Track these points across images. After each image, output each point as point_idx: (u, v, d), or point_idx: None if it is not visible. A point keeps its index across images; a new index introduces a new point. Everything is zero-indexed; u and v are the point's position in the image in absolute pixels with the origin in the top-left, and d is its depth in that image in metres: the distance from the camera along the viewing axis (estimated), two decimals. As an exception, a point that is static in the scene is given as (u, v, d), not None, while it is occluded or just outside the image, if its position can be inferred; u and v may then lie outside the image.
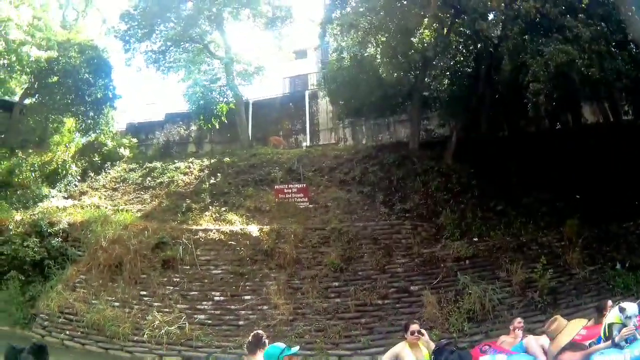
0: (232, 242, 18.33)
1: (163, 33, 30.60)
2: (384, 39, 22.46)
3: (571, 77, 17.20)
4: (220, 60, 28.66)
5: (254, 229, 18.75)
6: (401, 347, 8.79)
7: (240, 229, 18.87)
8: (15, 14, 23.98)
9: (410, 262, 17.15)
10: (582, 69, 16.70)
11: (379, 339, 14.84)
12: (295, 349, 7.23)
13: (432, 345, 9.16)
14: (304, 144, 29.27)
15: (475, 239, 17.85)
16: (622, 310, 7.53)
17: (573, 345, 7.35)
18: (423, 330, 8.72)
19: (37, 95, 30.02)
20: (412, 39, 21.94)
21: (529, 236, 17.96)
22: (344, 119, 26.42)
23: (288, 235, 18.20)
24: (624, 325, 7.30)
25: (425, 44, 22.33)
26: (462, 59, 21.70)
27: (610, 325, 7.53)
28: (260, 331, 8.26)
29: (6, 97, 31.69)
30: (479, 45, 21.73)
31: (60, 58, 27.39)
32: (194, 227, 19.51)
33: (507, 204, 19.30)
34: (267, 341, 7.72)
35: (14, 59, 25.04)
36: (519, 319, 11.32)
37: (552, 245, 17.68)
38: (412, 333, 8.76)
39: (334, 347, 14.85)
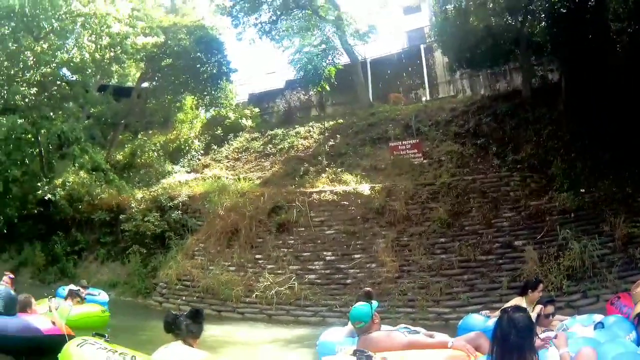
0: (345, 202, 18.65)
1: (271, 4, 30.99)
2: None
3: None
4: (332, 23, 28.63)
5: (365, 188, 18.96)
6: (519, 301, 8.89)
7: (353, 189, 19.12)
8: (113, 9, 24.86)
9: (517, 215, 16.70)
10: None
11: (479, 296, 14.78)
12: (376, 303, 7.19)
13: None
14: (423, 98, 28.90)
15: (583, 190, 17.00)
16: None
17: None
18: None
19: (153, 79, 31.46)
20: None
21: (636, 187, 16.84)
22: (455, 70, 25.83)
23: (398, 193, 18.26)
24: None
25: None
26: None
27: None
28: (369, 289, 8.55)
29: (122, 84, 32.93)
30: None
31: (169, 42, 28.47)
32: (309, 189, 19.92)
33: (617, 152, 18.02)
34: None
35: (119, 50, 25.88)
36: None
37: None
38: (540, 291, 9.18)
39: (434, 305, 14.87)
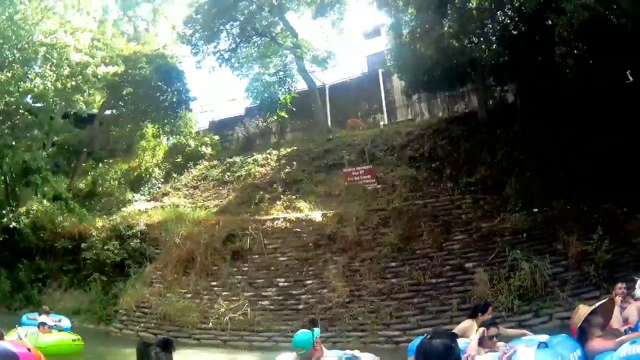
0: (298, 229, 18.69)
1: (230, 32, 31.16)
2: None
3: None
4: (290, 50, 28.78)
5: (317, 215, 19.06)
6: (469, 324, 9.18)
7: (305, 216, 19.22)
8: (72, 40, 25.09)
9: (468, 238, 16.75)
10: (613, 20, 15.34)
11: (429, 319, 14.79)
12: (318, 329, 7.34)
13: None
14: (381, 123, 29.04)
15: (536, 210, 17.07)
16: None
17: (607, 332, 7.19)
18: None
19: (115, 107, 31.65)
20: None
21: (590, 204, 16.92)
22: (411, 95, 25.98)
23: (350, 219, 18.29)
24: None
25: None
26: (508, 21, 20.77)
27: None
28: (313, 316, 8.67)
29: (87, 112, 33.12)
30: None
31: (130, 70, 28.57)
32: (263, 217, 19.99)
33: (572, 170, 18.10)
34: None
35: (80, 79, 26.07)
36: (619, 284, 10.69)
37: (613, 213, 16.42)
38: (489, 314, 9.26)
39: (385, 328, 14.89)
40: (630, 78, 21.59)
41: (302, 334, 7.04)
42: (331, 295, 16.18)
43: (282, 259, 18.11)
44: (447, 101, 27.96)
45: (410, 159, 21.97)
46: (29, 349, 10.35)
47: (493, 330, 8.13)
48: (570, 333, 8.05)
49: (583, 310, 7.42)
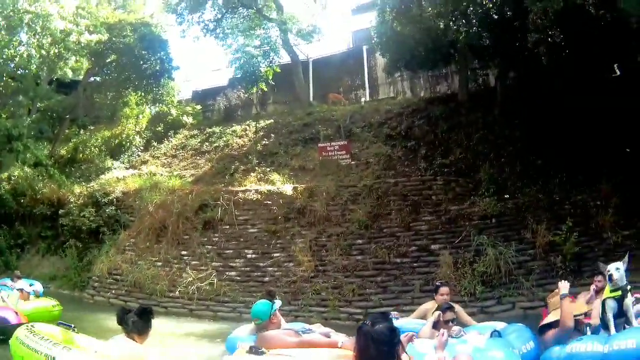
0: (268, 202, 18.70)
1: (215, 2, 31.11)
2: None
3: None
4: (275, 22, 28.69)
5: (288, 188, 19.01)
6: (431, 306, 9.03)
7: (277, 189, 19.18)
8: (56, 9, 25.24)
9: (436, 219, 16.72)
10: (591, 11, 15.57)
11: (391, 298, 14.89)
12: (279, 301, 7.55)
13: (458, 306, 9.29)
14: (363, 99, 28.96)
15: (507, 196, 17.08)
16: (609, 277, 7.29)
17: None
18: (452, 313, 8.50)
19: (99, 74, 31.93)
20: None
21: (564, 194, 16.94)
22: (393, 73, 25.85)
23: (320, 193, 18.30)
24: (620, 300, 7.18)
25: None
26: (490, 5, 20.56)
27: (603, 302, 7.29)
28: (272, 289, 8.79)
29: (68, 78, 33.06)
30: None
31: (114, 38, 28.65)
32: (235, 188, 19.99)
33: (549, 159, 18.18)
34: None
35: (62, 47, 26.37)
36: (599, 277, 10.17)
37: (586, 205, 16.50)
38: (442, 294, 9.08)
39: (346, 305, 15.01)
40: (618, 72, 21.59)
41: (262, 304, 7.18)
42: (297, 269, 16.29)
43: (251, 230, 18.15)
44: (430, 81, 27.81)
45: (387, 137, 21.89)
46: (16, 312, 10.51)
47: (449, 315, 8.11)
48: (528, 321, 8.20)
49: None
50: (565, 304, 7.34)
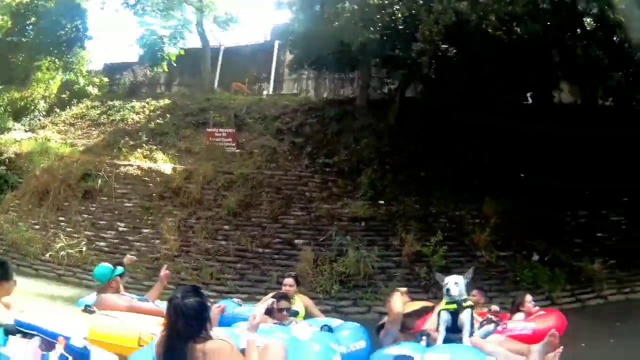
0: (147, 179, 18.96)
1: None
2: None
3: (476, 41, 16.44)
4: (193, 6, 28.82)
5: (168, 168, 19.28)
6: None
7: (157, 167, 19.45)
8: None
9: (306, 215, 17.12)
10: (489, 31, 15.85)
11: (248, 286, 15.16)
12: (121, 269, 8.03)
13: (309, 300, 9.67)
14: (265, 92, 29.25)
15: (382, 202, 17.45)
16: (446, 290, 7.29)
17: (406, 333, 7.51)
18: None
19: (16, 35, 30.94)
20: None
21: (442, 208, 17.37)
22: (296, 69, 26.09)
23: (197, 176, 18.62)
24: (455, 314, 7.20)
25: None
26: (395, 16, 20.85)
27: (439, 314, 7.32)
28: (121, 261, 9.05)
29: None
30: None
31: (35, 1, 28.57)
32: (118, 162, 20.18)
33: (434, 172, 18.64)
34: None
35: None
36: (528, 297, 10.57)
37: (463, 221, 16.85)
38: (285, 285, 9.62)
39: (203, 287, 14.72)
40: (530, 100, 22.37)
41: (103, 267, 7.80)
42: (162, 247, 16.56)
43: (127, 204, 18.37)
44: (335, 83, 28.12)
45: (278, 130, 22.16)
46: None
47: (283, 304, 8.46)
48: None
49: (412, 305, 7.87)
50: (394, 297, 7.53)
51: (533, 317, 9.92)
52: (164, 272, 9.26)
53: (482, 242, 15.93)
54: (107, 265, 7.92)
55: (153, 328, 6.47)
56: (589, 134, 18.93)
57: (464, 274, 7.63)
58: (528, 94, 22.38)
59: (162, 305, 7.32)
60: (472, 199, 17.45)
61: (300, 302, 9.76)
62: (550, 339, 6.61)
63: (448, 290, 7.27)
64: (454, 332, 7.18)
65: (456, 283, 7.35)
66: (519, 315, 9.97)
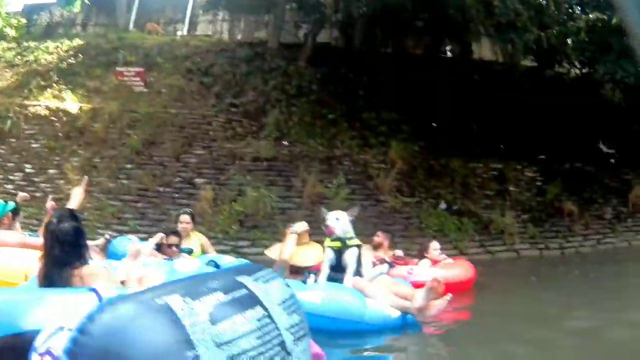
0: (54, 118, 18.99)
1: None
2: None
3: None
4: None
5: (75, 107, 19.34)
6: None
7: (64, 107, 19.43)
8: None
9: (208, 154, 17.44)
10: None
11: (147, 225, 15.37)
12: (12, 205, 8.52)
13: (205, 239, 10.26)
14: (179, 32, 29.24)
15: (286, 143, 17.79)
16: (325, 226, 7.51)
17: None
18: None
19: None
20: None
21: (346, 151, 17.69)
22: (211, 10, 26.12)
23: (103, 115, 18.77)
24: (339, 253, 7.46)
25: None
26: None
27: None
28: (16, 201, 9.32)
29: None
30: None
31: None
32: (28, 102, 20.08)
33: (343, 115, 19.07)
34: None
35: None
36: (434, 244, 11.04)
37: (368, 165, 17.20)
38: (180, 222, 10.05)
39: (104, 227, 15.18)
40: (449, 54, 22.91)
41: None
42: (66, 187, 16.37)
43: (34, 145, 18.41)
44: (250, 26, 28.24)
45: (187, 70, 22.26)
46: None
47: (172, 239, 8.90)
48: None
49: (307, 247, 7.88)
50: (287, 237, 7.65)
51: (441, 265, 10.53)
52: (49, 204, 9.44)
53: (386, 186, 16.37)
54: (1, 201, 8.24)
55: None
56: (509, 92, 19.85)
57: (348, 211, 7.72)
58: (447, 47, 22.95)
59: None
60: (379, 143, 17.98)
61: (197, 240, 10.27)
62: (433, 284, 6.74)
63: (327, 225, 7.45)
64: (338, 271, 7.37)
65: (337, 219, 7.44)
66: (425, 262, 10.49)
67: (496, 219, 16.27)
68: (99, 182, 16.74)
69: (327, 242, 7.56)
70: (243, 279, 2.32)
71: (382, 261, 9.11)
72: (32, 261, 6.65)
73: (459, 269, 10.54)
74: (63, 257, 4.48)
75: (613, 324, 7.74)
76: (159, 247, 8.53)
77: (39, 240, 8.02)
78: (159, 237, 8.56)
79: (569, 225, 17.21)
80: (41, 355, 2.64)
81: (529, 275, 13.59)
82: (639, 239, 17.62)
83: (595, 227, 17.57)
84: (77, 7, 24.13)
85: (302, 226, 7.90)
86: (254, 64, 22.29)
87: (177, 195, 16.42)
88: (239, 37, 27.78)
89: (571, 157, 19.10)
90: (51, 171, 17.48)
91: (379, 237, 10.99)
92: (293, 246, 7.53)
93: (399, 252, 10.96)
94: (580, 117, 19.48)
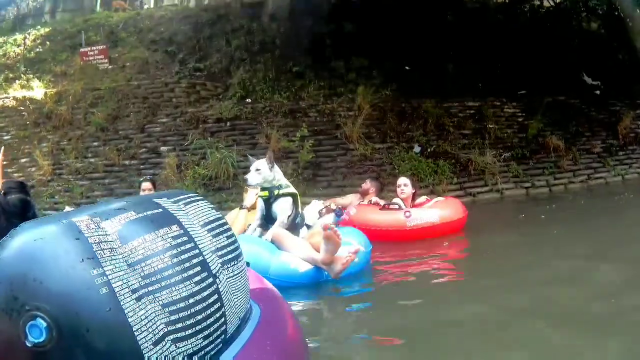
0: (22, 108, 19.10)
1: None
2: None
3: None
4: None
5: (40, 93, 19.41)
6: None
7: (30, 95, 19.52)
8: None
9: (172, 122, 17.35)
10: None
11: (116, 200, 15.39)
12: None
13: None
14: (146, 6, 29.22)
15: (249, 100, 17.62)
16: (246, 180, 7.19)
17: None
18: None
19: None
20: None
21: (313, 101, 17.38)
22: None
23: (67, 97, 18.82)
24: (267, 202, 7.26)
25: None
26: None
27: None
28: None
29: None
30: None
31: None
32: (-4, 96, 20.07)
33: (309, 66, 18.85)
34: None
35: None
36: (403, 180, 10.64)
37: (335, 113, 16.92)
38: (142, 190, 10.21)
39: (75, 207, 15.42)
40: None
41: None
42: (37, 173, 16.88)
43: (5, 137, 18.48)
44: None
45: (151, 42, 22.27)
46: None
47: None
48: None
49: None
50: (237, 213, 8.11)
51: (432, 204, 10.25)
52: None
53: (355, 134, 16.12)
54: None
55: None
56: (484, 29, 19.87)
57: (266, 158, 7.23)
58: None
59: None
60: (348, 91, 17.76)
61: None
62: (327, 234, 6.23)
63: (246, 179, 7.15)
64: (269, 222, 7.20)
65: (257, 169, 7.06)
66: (397, 201, 10.20)
67: (475, 158, 16.04)
68: (67, 164, 16.91)
69: (259, 192, 7.39)
70: (161, 200, 2.55)
71: (330, 211, 8.81)
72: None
73: (451, 208, 10.20)
74: (9, 228, 4.39)
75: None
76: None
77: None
78: None
79: (555, 161, 16.82)
80: None
81: (516, 215, 13.24)
82: (633, 172, 17.48)
83: (584, 162, 17.28)
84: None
85: (251, 199, 8.01)
86: (217, 26, 22.25)
87: (142, 166, 16.38)
88: (205, 2, 27.55)
89: (553, 91, 18.78)
90: (23, 160, 17.63)
91: (366, 185, 11.08)
92: (243, 221, 7.66)
93: (375, 199, 10.78)
94: (559, 49, 19.31)
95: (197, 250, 2.27)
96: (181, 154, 16.26)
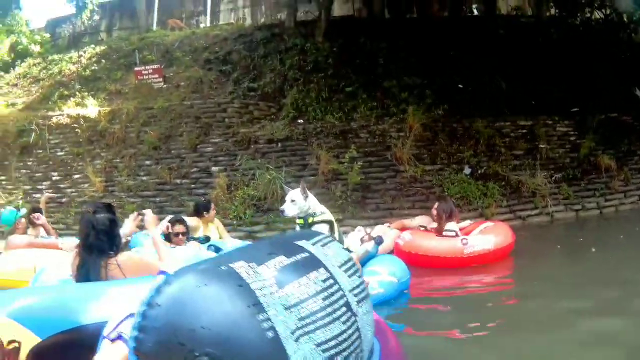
0: (76, 125, 19.19)
1: None
2: None
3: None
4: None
5: (93, 111, 19.50)
6: (196, 223, 9.81)
7: (85, 113, 19.63)
8: None
9: (224, 142, 17.17)
10: None
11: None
12: (23, 211, 9.07)
13: (220, 225, 10.44)
14: (202, 25, 29.28)
15: (301, 121, 17.39)
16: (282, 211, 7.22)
17: None
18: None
19: None
20: None
21: (364, 122, 17.06)
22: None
23: (121, 116, 18.91)
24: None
25: None
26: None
27: None
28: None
29: None
30: None
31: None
32: (51, 113, 20.47)
33: (361, 86, 18.52)
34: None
35: None
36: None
37: (386, 134, 16.59)
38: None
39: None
40: (476, 12, 22.48)
41: (8, 211, 8.36)
42: (89, 189, 17.00)
43: (60, 153, 18.76)
44: (272, 8, 28.21)
45: (206, 61, 22.18)
46: None
47: (178, 228, 8.82)
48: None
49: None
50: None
51: (482, 229, 10.11)
52: (45, 196, 10.12)
53: (405, 155, 15.69)
54: (10, 209, 8.60)
55: (48, 258, 7.62)
56: (536, 44, 19.36)
57: (300, 189, 7.26)
58: (473, 7, 22.51)
59: (62, 240, 8.34)
60: (400, 112, 17.33)
61: (213, 228, 10.26)
62: None
63: (283, 210, 7.21)
64: None
65: (293, 201, 7.15)
66: (451, 225, 9.99)
67: (526, 180, 15.52)
68: (120, 182, 16.98)
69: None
70: (302, 243, 2.66)
71: (370, 238, 8.74)
72: (39, 257, 7.74)
73: (503, 234, 9.91)
74: (97, 244, 4.62)
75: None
76: (168, 237, 8.47)
77: (44, 239, 8.54)
78: (163, 225, 8.39)
79: (606, 182, 16.21)
80: (113, 340, 2.62)
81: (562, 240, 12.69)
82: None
83: (636, 183, 16.64)
84: (87, 13, 24.14)
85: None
86: (272, 45, 22.06)
87: (193, 186, 16.30)
88: (261, 20, 27.53)
89: (606, 108, 18.09)
90: (76, 176, 17.77)
91: (435, 210, 10.56)
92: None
93: (417, 221, 10.88)
94: (612, 63, 18.80)
95: (341, 292, 2.44)
96: (232, 174, 16.03)
